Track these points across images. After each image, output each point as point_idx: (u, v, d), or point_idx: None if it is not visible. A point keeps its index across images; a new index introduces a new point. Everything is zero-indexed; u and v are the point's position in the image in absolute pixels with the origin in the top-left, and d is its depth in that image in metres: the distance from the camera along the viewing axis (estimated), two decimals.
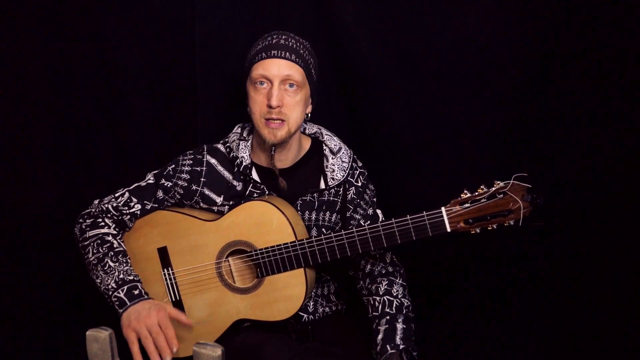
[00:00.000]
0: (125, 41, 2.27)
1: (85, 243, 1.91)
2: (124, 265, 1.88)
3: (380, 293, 1.95)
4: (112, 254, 1.88)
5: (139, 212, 1.97)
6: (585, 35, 2.08)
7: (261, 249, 1.87)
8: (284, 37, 1.90)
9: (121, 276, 1.85)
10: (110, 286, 1.84)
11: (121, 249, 1.91)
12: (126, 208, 1.95)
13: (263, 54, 1.86)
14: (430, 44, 2.22)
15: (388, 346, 1.84)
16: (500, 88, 2.19)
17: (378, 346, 1.87)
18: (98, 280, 1.87)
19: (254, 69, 1.87)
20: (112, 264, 1.87)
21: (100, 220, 1.94)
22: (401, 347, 1.83)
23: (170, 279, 1.98)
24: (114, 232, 1.94)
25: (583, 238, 2.19)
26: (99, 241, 1.90)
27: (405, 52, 2.25)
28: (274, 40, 1.88)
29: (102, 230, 1.92)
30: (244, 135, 2.00)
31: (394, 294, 1.95)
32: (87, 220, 1.95)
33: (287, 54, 1.87)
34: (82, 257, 1.93)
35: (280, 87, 1.85)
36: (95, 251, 1.89)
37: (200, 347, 1.63)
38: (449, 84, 2.23)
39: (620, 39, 2.06)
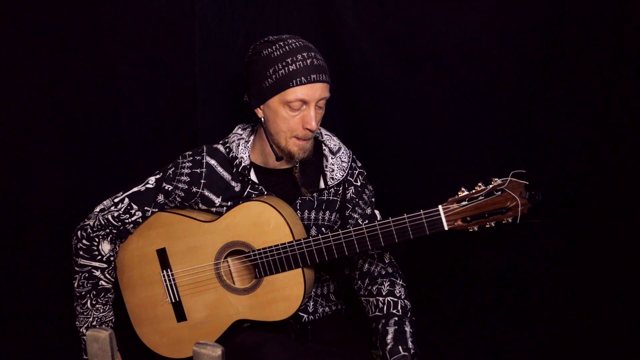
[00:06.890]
0: (125, 41, 2.26)
1: (76, 269, 1.98)
2: (100, 311, 1.98)
3: (383, 294, 1.94)
4: (94, 293, 1.97)
5: (140, 220, 1.98)
6: (585, 34, 2.06)
7: (259, 250, 1.87)
8: (312, 53, 1.81)
9: (94, 323, 1.97)
10: (81, 328, 1.97)
11: (105, 286, 1.98)
12: (127, 216, 1.95)
13: (302, 78, 1.77)
14: (429, 44, 2.20)
15: (400, 347, 1.83)
16: (499, 87, 2.17)
17: (388, 345, 1.85)
18: (76, 312, 1.99)
19: (291, 93, 1.78)
20: (89, 305, 1.96)
21: (96, 244, 1.95)
22: (412, 351, 1.82)
23: (170, 280, 1.98)
24: (104, 265, 1.97)
25: (581, 235, 2.17)
26: (87, 274, 1.96)
27: (405, 52, 2.23)
28: (308, 61, 1.78)
29: (92, 264, 1.96)
30: (245, 136, 1.99)
31: (397, 295, 1.94)
32: (84, 241, 1.96)
33: (324, 76, 1.82)
34: (72, 277, 1.99)
35: (315, 107, 1.83)
36: (80, 283, 1.97)
37: (200, 347, 1.62)
38: (448, 83, 2.21)
39: (620, 39, 2.03)
